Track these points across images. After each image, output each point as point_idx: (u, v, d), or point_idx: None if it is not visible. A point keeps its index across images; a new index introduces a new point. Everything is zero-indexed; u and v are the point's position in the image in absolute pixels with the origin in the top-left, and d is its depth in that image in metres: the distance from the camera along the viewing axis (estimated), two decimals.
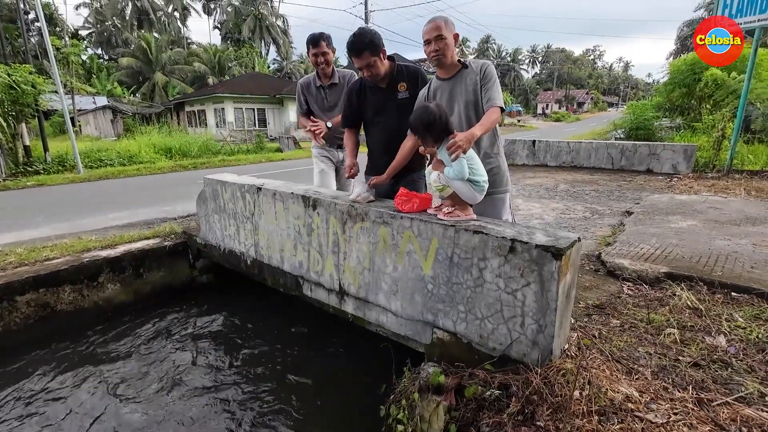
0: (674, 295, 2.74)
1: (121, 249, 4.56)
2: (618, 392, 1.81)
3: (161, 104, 32.74)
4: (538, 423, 1.76)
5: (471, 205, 2.43)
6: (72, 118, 18.61)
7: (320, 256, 3.14)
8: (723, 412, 1.65)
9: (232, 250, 4.18)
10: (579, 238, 2.06)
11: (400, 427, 2.34)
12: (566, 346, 2.18)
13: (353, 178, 3.06)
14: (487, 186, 2.32)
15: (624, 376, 1.95)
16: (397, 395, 2.58)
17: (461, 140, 2.07)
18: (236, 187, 3.86)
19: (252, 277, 4.05)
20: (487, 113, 2.40)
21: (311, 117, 3.73)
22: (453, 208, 2.40)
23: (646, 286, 2.94)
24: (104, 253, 4.43)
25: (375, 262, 2.71)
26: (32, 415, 2.86)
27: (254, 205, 3.68)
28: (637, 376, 1.94)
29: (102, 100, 29.73)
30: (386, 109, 2.92)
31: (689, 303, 2.60)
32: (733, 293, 2.71)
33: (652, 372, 1.96)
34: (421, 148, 2.42)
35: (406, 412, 2.35)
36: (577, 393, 1.83)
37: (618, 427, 1.61)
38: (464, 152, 2.11)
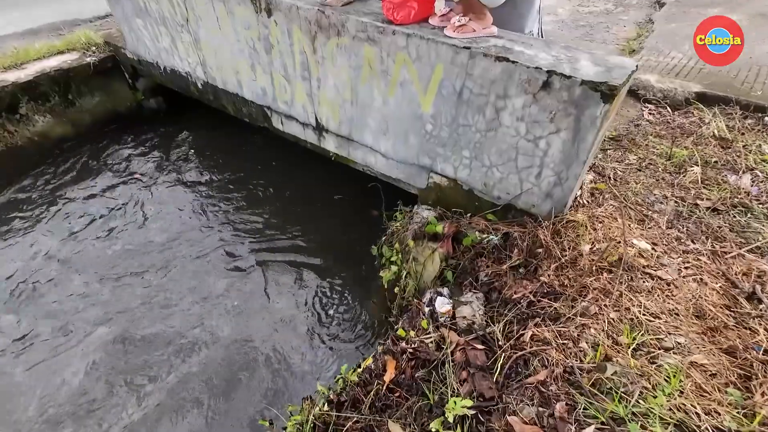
0: (702, 122, 2.40)
1: (32, 69, 3.61)
2: (630, 246, 1.69)
3: None
4: (541, 278, 1.70)
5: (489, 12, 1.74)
6: None
7: (287, 81, 2.48)
8: (736, 265, 1.59)
9: (174, 69, 3.34)
10: (636, 66, 1.53)
11: (393, 267, 2.35)
12: (579, 193, 1.97)
13: None
14: None
15: (637, 226, 1.81)
16: (389, 237, 2.52)
17: None
18: None
19: (207, 103, 3.39)
20: None
21: None
22: (466, 19, 1.71)
23: (671, 111, 2.56)
24: (12, 77, 3.52)
25: (359, 93, 2.14)
26: None
27: (185, 6, 2.69)
28: (651, 225, 1.81)
29: None
30: None
31: (717, 132, 2.30)
32: (767, 118, 2.39)
33: (667, 220, 1.82)
34: None
35: (400, 255, 2.32)
36: (586, 248, 1.71)
37: (625, 286, 1.54)
38: None
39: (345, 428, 1.32)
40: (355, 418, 1.35)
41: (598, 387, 1.20)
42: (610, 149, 2.27)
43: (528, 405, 1.22)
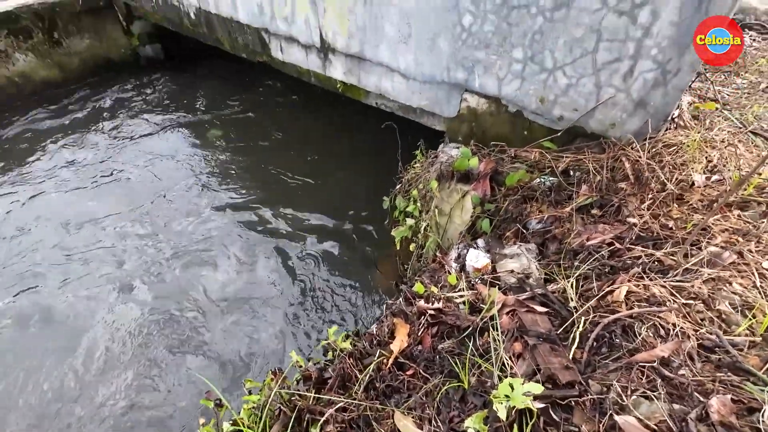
0: None
1: (13, 1, 3.24)
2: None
3: None
4: (630, 220, 1.15)
5: None
6: None
7: None
8: None
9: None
10: None
11: (409, 221, 1.84)
12: (676, 113, 1.41)
13: None
14: None
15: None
16: (404, 185, 2.00)
17: None
18: None
19: (203, 39, 2.94)
20: None
21: None
22: None
23: None
24: None
25: None
26: None
27: None
28: None
29: None
30: None
31: None
32: None
33: None
34: None
35: (418, 204, 1.80)
36: (700, 178, 1.16)
37: None
38: None
39: (324, 418, 0.81)
40: (341, 404, 0.83)
41: None
42: (707, 72, 1.70)
43: (645, 397, 0.68)
